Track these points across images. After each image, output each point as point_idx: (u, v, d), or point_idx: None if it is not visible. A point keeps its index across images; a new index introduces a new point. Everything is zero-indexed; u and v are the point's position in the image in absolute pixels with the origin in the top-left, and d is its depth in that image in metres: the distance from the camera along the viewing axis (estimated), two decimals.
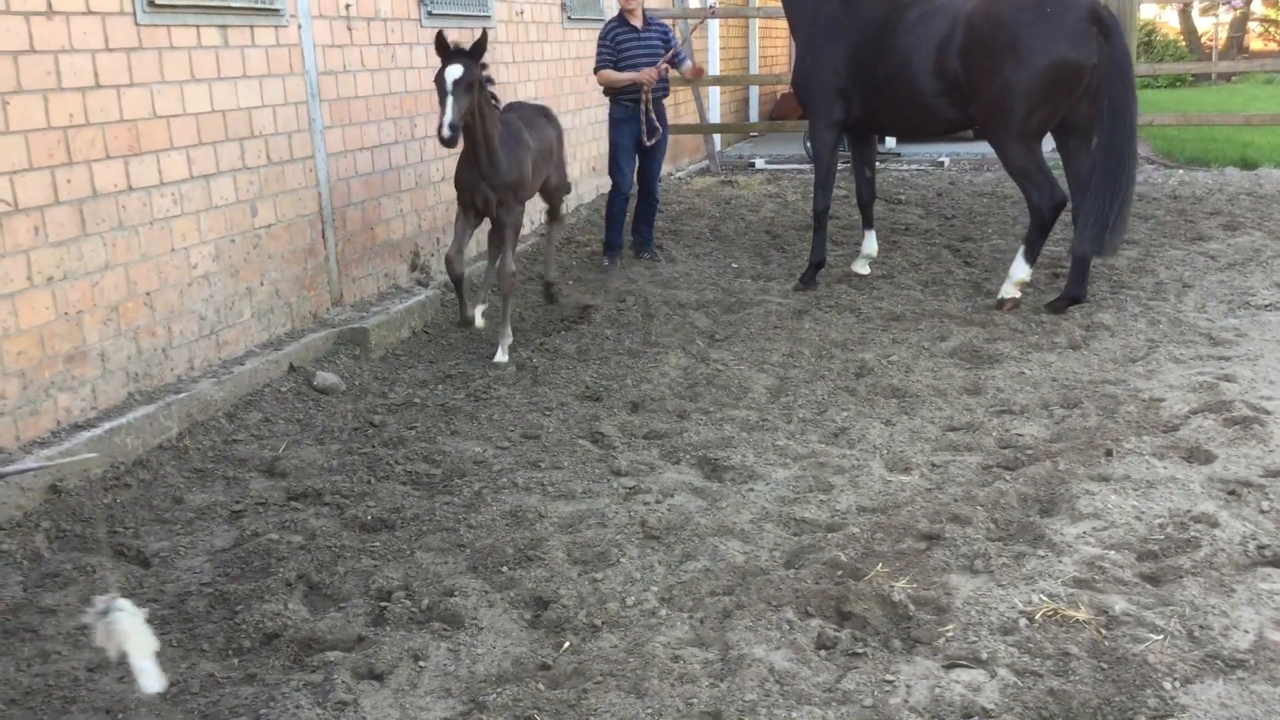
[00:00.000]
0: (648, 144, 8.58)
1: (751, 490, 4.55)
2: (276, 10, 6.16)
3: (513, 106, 7.01)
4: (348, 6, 6.87)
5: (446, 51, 5.87)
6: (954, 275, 8.03)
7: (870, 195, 8.17)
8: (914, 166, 13.72)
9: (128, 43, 5.15)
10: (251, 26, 5.99)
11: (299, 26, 6.39)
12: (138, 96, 5.22)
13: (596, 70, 8.56)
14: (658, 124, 8.57)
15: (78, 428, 4.84)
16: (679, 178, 13.35)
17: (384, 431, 5.41)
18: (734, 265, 8.66)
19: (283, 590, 3.84)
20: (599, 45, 8.55)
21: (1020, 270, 7.11)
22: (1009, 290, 7.16)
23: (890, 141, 15.06)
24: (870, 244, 8.21)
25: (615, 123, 8.69)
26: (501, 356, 6.44)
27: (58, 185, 4.78)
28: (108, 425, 4.88)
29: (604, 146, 10.64)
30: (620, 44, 8.45)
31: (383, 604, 3.72)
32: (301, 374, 6.06)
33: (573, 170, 10.58)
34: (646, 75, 8.33)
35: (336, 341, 6.48)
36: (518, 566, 3.95)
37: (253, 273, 6.09)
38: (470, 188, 6.38)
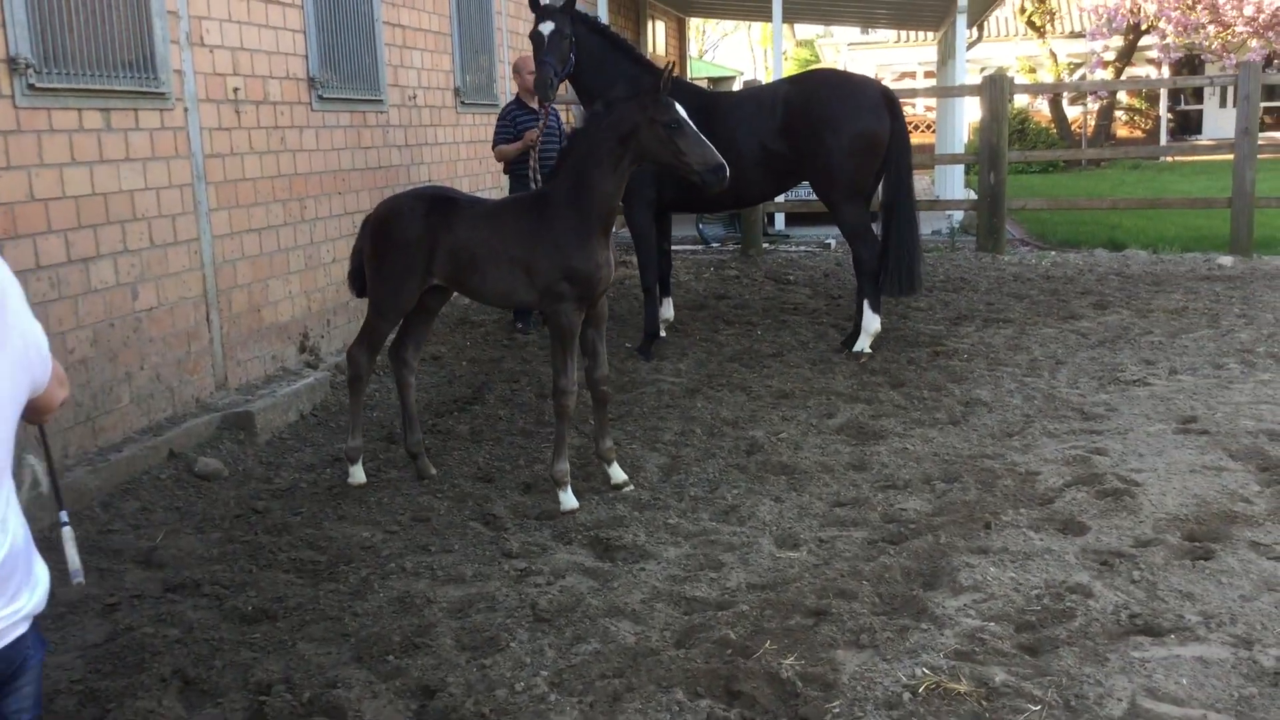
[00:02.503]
0: None
1: (643, 569, 4.56)
2: (162, 94, 6.11)
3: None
4: (236, 90, 6.84)
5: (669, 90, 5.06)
6: (841, 353, 8.22)
7: (668, 267, 9.17)
8: (802, 248, 14.09)
9: (4, 125, 5.05)
10: (136, 110, 5.93)
11: (185, 110, 6.35)
12: (14, 180, 5.11)
13: (494, 147, 9.00)
14: None
15: None
16: None
17: (268, 518, 5.28)
18: (627, 345, 8.74)
19: (157, 686, 3.70)
20: (498, 125, 9.02)
21: (873, 323, 8.13)
22: (865, 343, 8.13)
23: (780, 223, 15.50)
24: (668, 309, 9.17)
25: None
26: (621, 474, 5.54)
27: None
28: None
29: None
30: (519, 124, 8.92)
31: (262, 698, 3.61)
32: (183, 460, 5.91)
33: None
34: (531, 134, 8.77)
35: (220, 426, 6.34)
36: (404, 655, 3.87)
37: (132, 357, 5.94)
38: (599, 280, 5.16)
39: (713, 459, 5.96)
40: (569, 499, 5.28)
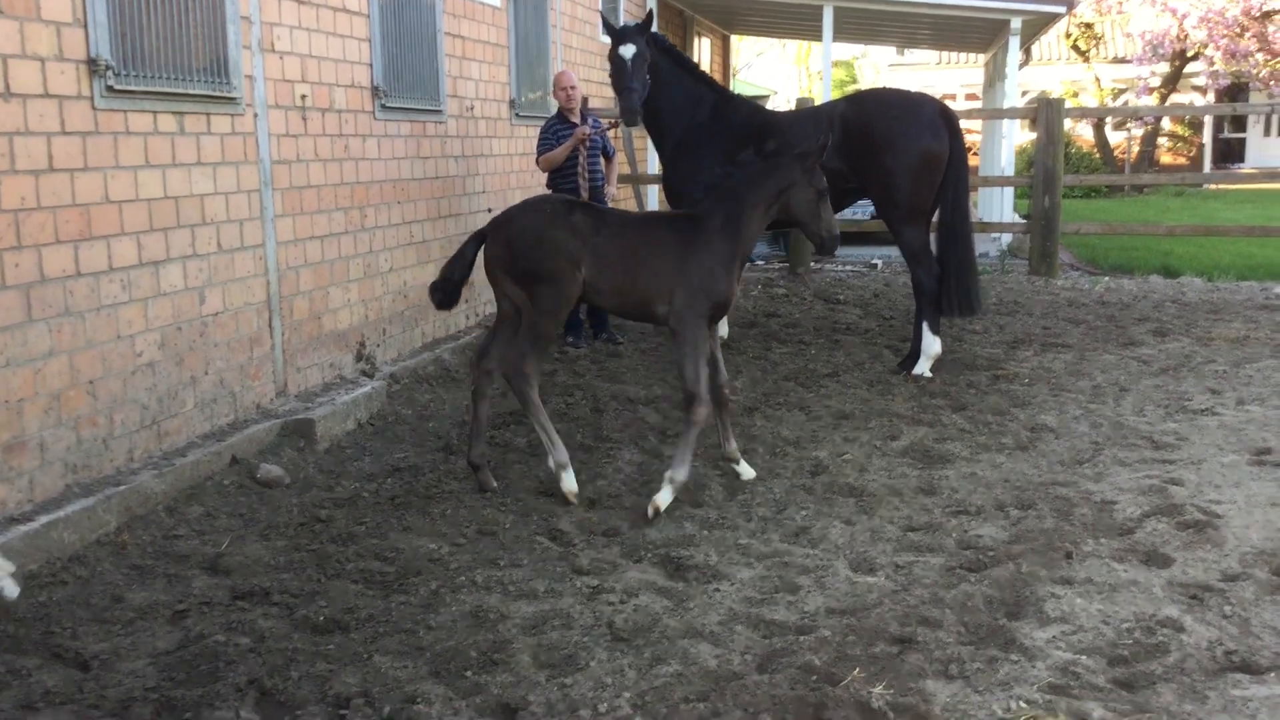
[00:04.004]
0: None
1: (717, 590, 4.48)
2: (234, 99, 6.12)
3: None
4: (303, 97, 6.84)
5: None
6: (899, 375, 8.11)
7: None
8: (849, 268, 13.99)
9: (84, 127, 5.06)
10: (208, 114, 5.93)
11: (255, 115, 6.35)
12: (91, 181, 5.11)
13: (539, 159, 9.04)
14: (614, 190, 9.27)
15: (13, 521, 4.60)
16: None
17: (332, 527, 5.24)
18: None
19: (234, 696, 3.65)
20: (541, 138, 9.07)
21: (933, 346, 8.01)
22: (925, 367, 8.01)
23: None
24: (722, 326, 8.82)
25: None
26: (750, 471, 5.84)
27: (5, 269, 4.63)
28: (44, 519, 4.65)
29: None
30: (562, 138, 8.95)
31: (341, 711, 3.56)
32: (245, 466, 5.88)
33: None
34: (582, 131, 8.85)
35: (281, 433, 6.31)
36: (482, 671, 3.81)
37: (198, 361, 5.93)
38: (731, 304, 5.72)
39: (778, 479, 5.88)
40: (668, 498, 5.32)
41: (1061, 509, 5.31)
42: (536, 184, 10.73)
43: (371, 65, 7.64)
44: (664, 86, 8.05)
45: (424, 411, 7.29)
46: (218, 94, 5.99)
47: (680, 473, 5.36)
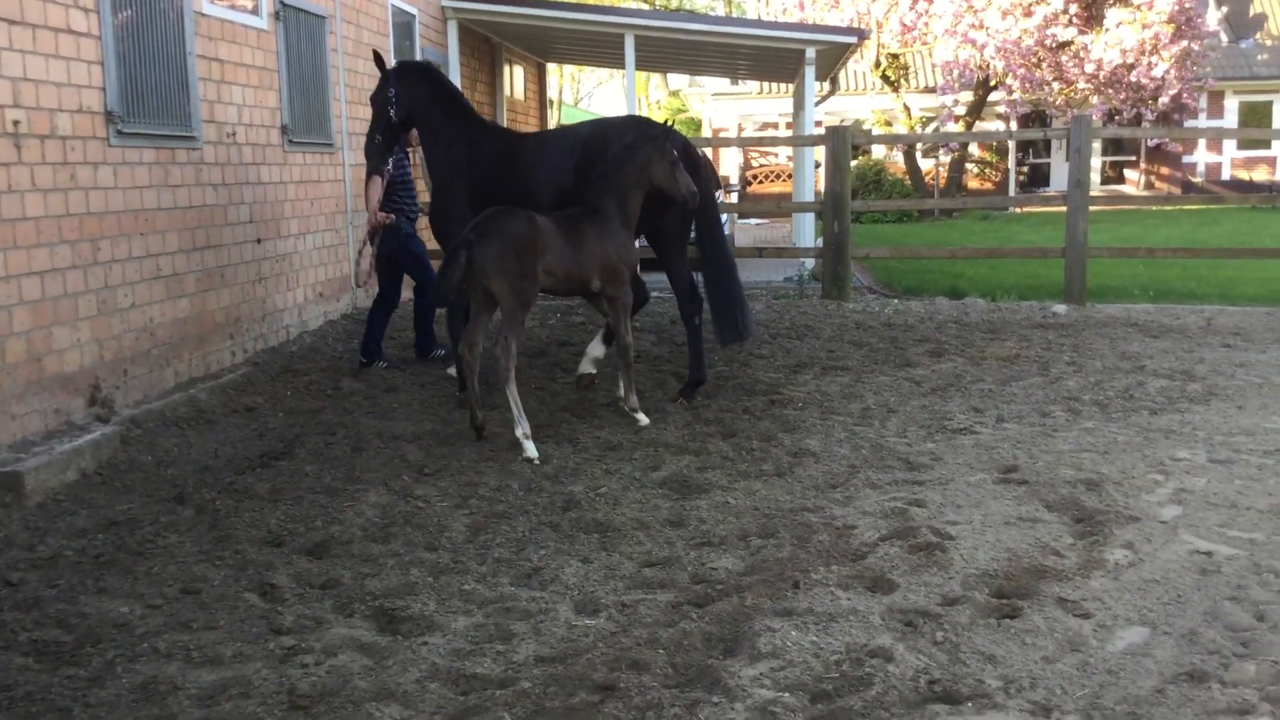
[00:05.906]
0: (357, 286, 9.27)
1: (425, 644, 4.20)
2: None
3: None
4: (16, 124, 6.32)
5: None
6: (677, 403, 8.00)
7: None
8: (654, 294, 13.90)
9: None
10: None
11: None
12: None
13: (373, 173, 8.82)
14: (369, 270, 9.27)
15: None
16: None
17: (19, 591, 4.75)
18: (458, 394, 8.38)
19: None
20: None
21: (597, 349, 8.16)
22: (585, 367, 8.16)
23: None
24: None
25: (409, 236, 9.16)
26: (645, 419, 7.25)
27: None
28: None
29: (330, 272, 10.42)
30: (397, 163, 8.93)
31: None
32: None
33: (297, 295, 10.15)
34: (376, 223, 9.06)
35: None
36: None
37: None
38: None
39: (525, 516, 5.64)
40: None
41: (802, 536, 5.22)
42: (315, 213, 10.36)
43: (104, 89, 7.14)
44: (423, 121, 7.89)
45: (165, 458, 6.79)
46: None
47: (632, 399, 7.37)
